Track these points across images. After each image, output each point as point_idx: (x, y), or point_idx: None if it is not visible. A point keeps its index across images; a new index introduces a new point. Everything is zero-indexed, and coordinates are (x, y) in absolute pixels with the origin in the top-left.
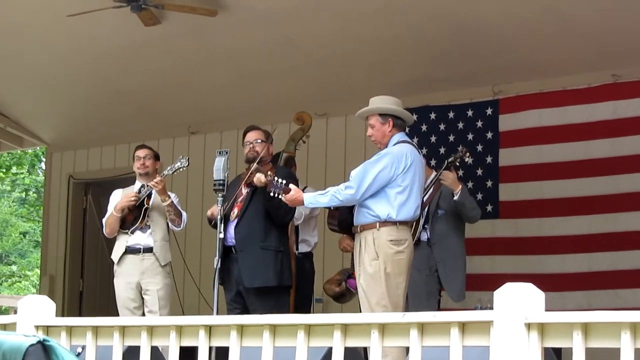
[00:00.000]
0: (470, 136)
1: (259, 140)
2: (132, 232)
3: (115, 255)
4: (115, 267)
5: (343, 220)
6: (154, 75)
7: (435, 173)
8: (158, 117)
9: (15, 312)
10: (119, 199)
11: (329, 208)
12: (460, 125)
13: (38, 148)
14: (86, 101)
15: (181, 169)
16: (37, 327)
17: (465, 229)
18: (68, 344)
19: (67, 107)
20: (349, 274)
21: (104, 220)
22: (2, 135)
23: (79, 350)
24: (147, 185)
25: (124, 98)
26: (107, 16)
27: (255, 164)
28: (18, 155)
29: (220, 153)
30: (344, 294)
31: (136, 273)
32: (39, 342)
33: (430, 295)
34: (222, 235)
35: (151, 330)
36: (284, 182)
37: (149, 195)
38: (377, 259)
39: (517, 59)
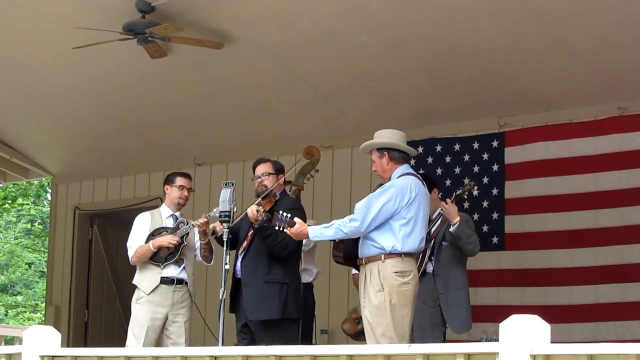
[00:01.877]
0: (476, 168)
1: (267, 174)
2: (165, 267)
3: (149, 285)
4: (142, 295)
5: (348, 252)
6: (160, 107)
7: None
8: (164, 149)
9: (21, 342)
10: (146, 223)
11: (334, 240)
12: (466, 157)
13: (44, 179)
14: (92, 133)
15: (211, 215)
16: (42, 357)
17: (467, 261)
18: None
19: (72, 139)
20: None
21: (130, 245)
22: (8, 167)
23: None
24: (188, 223)
25: (130, 130)
26: (114, 49)
27: (260, 199)
28: (23, 186)
29: (226, 185)
30: (363, 332)
31: (167, 304)
32: None
33: (435, 327)
34: (227, 267)
35: None
36: (289, 215)
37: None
38: (383, 291)
39: (522, 91)
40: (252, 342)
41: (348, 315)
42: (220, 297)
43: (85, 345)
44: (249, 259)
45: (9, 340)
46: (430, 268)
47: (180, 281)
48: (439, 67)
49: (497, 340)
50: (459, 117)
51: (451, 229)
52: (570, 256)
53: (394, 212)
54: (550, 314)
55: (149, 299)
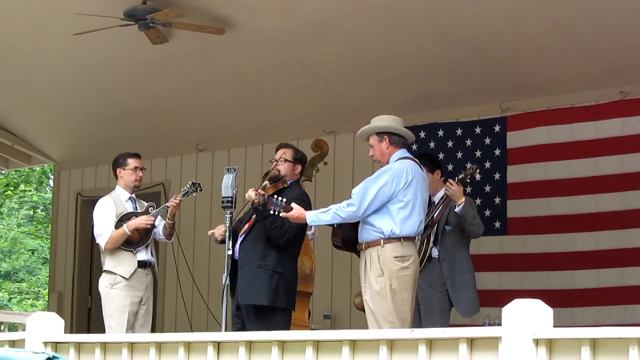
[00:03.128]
0: (478, 153)
1: (284, 160)
2: (137, 252)
3: (127, 270)
4: (120, 280)
5: (347, 238)
6: (162, 94)
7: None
8: (165, 135)
9: (24, 329)
10: (112, 208)
11: (333, 226)
12: (468, 142)
13: (46, 165)
14: (94, 119)
15: (195, 194)
16: (45, 344)
17: (470, 244)
18: None
19: (74, 125)
20: None
21: (101, 232)
22: (10, 153)
23: None
24: (156, 207)
25: (132, 116)
26: (115, 35)
27: (267, 181)
28: (26, 173)
29: (228, 170)
30: None
31: (142, 287)
32: (48, 359)
33: (443, 311)
34: (230, 252)
35: (159, 346)
36: (284, 200)
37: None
38: (383, 276)
39: (524, 76)
40: (243, 327)
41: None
42: (223, 283)
43: (88, 332)
44: (247, 242)
45: (12, 327)
46: (435, 253)
47: (151, 264)
48: (440, 52)
49: (499, 324)
50: (461, 101)
51: (456, 209)
52: (572, 240)
53: (391, 196)
54: (552, 298)
55: (127, 284)
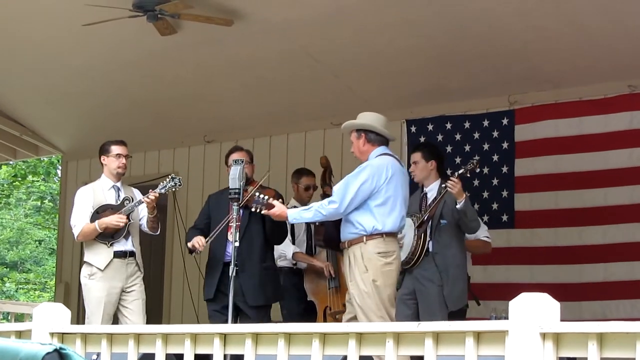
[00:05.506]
0: (486, 146)
1: (247, 162)
2: (113, 244)
3: (102, 261)
4: (95, 270)
5: (329, 236)
6: (170, 85)
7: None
8: (174, 126)
9: (31, 319)
10: (89, 199)
11: (315, 224)
12: (476, 135)
13: (53, 156)
14: (101, 110)
15: (174, 189)
16: (52, 334)
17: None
18: (83, 351)
19: (82, 116)
20: None
21: (74, 223)
22: (18, 144)
23: (94, 357)
24: (133, 200)
25: (140, 107)
26: (123, 26)
27: (251, 186)
28: (33, 164)
29: (235, 162)
30: None
31: (122, 278)
32: (55, 350)
33: (442, 305)
34: (237, 244)
35: (166, 337)
36: (267, 197)
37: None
38: (367, 272)
39: (533, 69)
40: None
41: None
42: (231, 274)
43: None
44: (243, 246)
45: (19, 317)
46: (431, 247)
47: (132, 254)
48: (449, 45)
49: (506, 318)
50: (469, 94)
51: (458, 206)
52: (579, 234)
53: (372, 192)
54: (559, 292)
55: (103, 275)
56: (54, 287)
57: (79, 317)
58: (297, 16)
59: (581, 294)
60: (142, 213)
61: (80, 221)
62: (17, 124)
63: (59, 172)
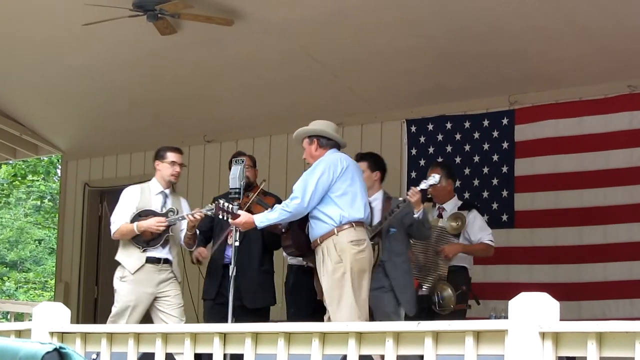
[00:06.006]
0: (486, 146)
1: (250, 166)
2: (147, 250)
3: (134, 265)
4: (127, 273)
5: (297, 241)
6: (170, 84)
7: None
8: (174, 126)
9: (31, 319)
10: (135, 199)
11: (282, 235)
12: (476, 135)
13: (53, 155)
14: (101, 109)
15: (210, 213)
16: (52, 334)
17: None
18: (83, 351)
19: (82, 115)
20: None
21: (114, 220)
22: (17, 143)
23: (94, 357)
24: (178, 212)
25: (140, 106)
26: (123, 26)
27: (252, 192)
28: (33, 163)
29: (236, 162)
30: None
31: (153, 284)
32: (55, 349)
33: (396, 309)
34: (237, 244)
35: (166, 337)
36: (232, 206)
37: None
38: (342, 262)
39: (533, 69)
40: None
41: None
42: (231, 274)
43: (94, 322)
44: (243, 248)
45: (19, 317)
46: (382, 255)
47: (167, 261)
48: (449, 45)
49: (506, 317)
50: (469, 94)
51: (416, 215)
52: (579, 234)
53: (331, 184)
54: (559, 291)
55: (134, 279)
56: (53, 287)
57: (78, 316)
58: (297, 16)
59: (580, 293)
60: (182, 226)
61: (120, 219)
62: (17, 123)
63: (58, 171)
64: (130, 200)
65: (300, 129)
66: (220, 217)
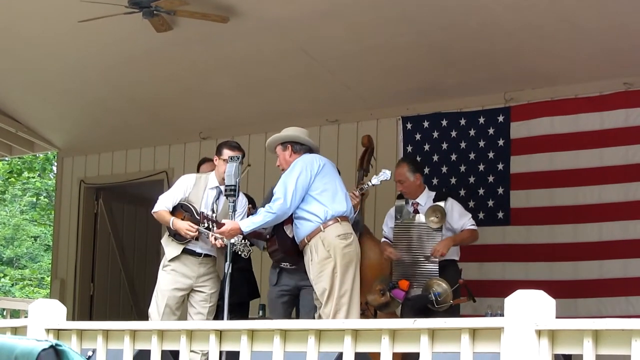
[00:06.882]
0: (481, 143)
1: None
2: (185, 242)
3: (171, 252)
4: (168, 263)
5: (283, 244)
6: (166, 81)
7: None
8: (169, 123)
9: (26, 316)
10: (188, 187)
11: (267, 242)
12: (472, 132)
13: (49, 152)
14: (97, 106)
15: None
16: (47, 331)
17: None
18: (79, 348)
19: (78, 112)
20: (393, 285)
21: (161, 200)
22: (13, 140)
23: (90, 354)
24: (211, 229)
25: (136, 103)
26: (119, 22)
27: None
28: (29, 160)
29: (231, 159)
30: (388, 304)
31: (193, 276)
32: (51, 346)
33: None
34: (233, 240)
35: (162, 334)
36: (214, 215)
37: (208, 227)
38: (330, 257)
39: (528, 66)
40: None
41: (373, 287)
42: (225, 271)
43: (90, 319)
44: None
45: (15, 313)
46: None
47: (207, 255)
48: (445, 42)
49: (502, 315)
50: (465, 91)
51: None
52: (575, 231)
53: (310, 182)
54: (555, 289)
55: (174, 268)
56: (49, 284)
57: (74, 313)
58: (293, 13)
59: (576, 291)
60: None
61: (164, 203)
62: (12, 120)
63: (54, 168)
64: (182, 188)
65: (273, 137)
66: (205, 226)
